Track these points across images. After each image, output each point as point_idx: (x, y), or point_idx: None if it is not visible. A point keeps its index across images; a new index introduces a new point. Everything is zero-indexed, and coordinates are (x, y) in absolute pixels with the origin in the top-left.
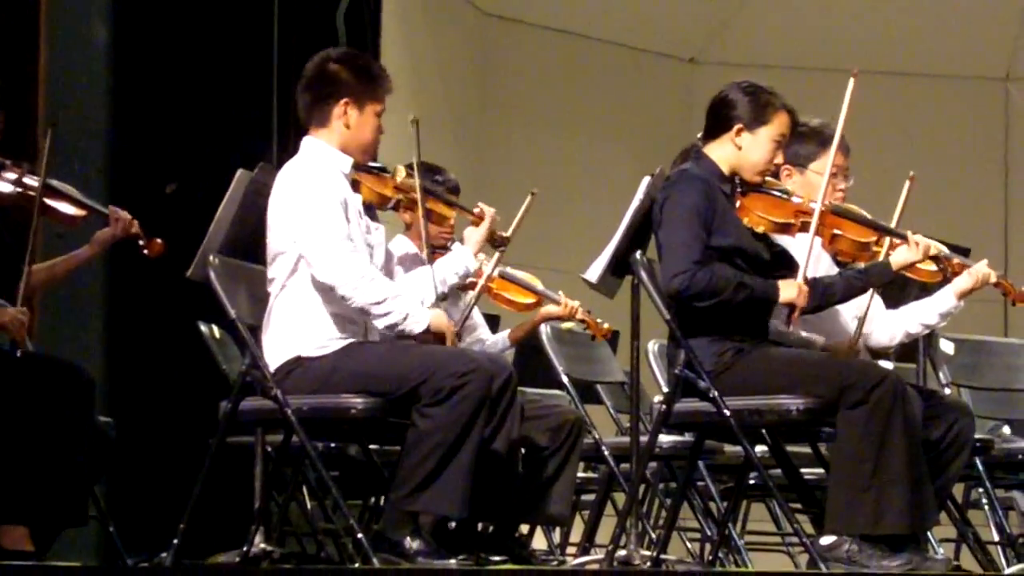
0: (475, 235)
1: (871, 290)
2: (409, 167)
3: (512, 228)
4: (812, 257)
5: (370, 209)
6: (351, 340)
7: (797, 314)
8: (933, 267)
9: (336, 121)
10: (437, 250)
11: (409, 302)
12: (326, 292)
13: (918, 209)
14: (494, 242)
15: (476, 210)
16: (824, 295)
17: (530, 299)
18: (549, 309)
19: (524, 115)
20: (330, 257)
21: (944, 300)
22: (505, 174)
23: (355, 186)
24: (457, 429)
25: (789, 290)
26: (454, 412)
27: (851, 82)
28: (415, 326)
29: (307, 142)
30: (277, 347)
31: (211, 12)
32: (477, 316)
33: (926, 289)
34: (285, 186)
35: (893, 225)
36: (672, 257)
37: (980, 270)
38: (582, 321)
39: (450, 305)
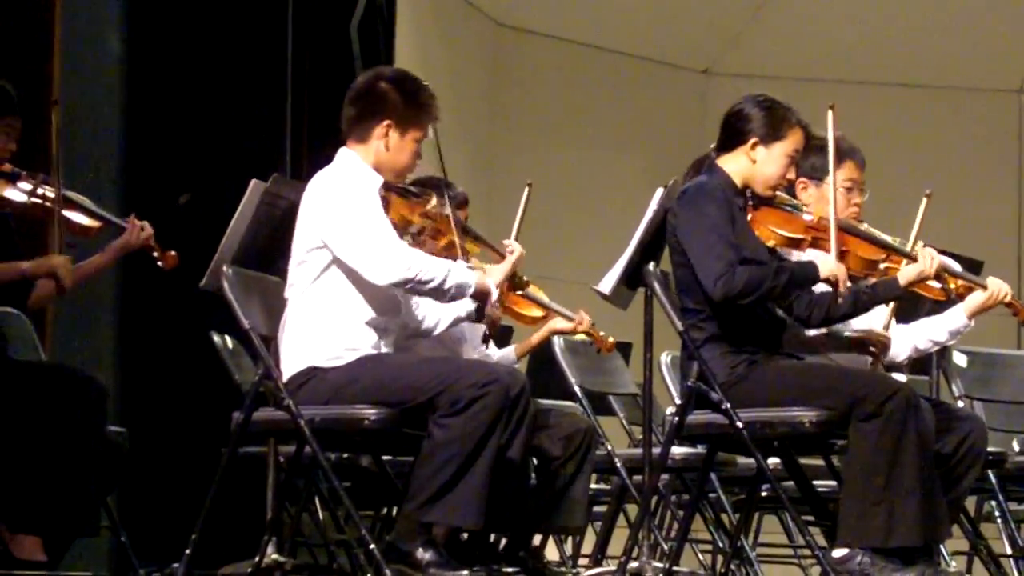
0: (499, 271)
1: (891, 303)
2: (440, 195)
3: (516, 224)
4: None
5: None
6: (365, 352)
7: (843, 286)
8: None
9: (376, 140)
10: None
11: (458, 266)
12: (347, 301)
13: (931, 221)
14: (514, 284)
15: (506, 246)
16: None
17: (538, 313)
18: (555, 324)
19: (536, 125)
20: (390, 261)
21: (955, 318)
22: (517, 184)
23: (384, 205)
24: (475, 440)
25: (827, 264)
26: (472, 423)
27: (830, 115)
28: (469, 289)
29: (343, 153)
30: (293, 355)
31: (225, 22)
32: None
33: (939, 305)
34: (320, 193)
35: (911, 242)
36: (708, 265)
37: (993, 289)
38: (587, 334)
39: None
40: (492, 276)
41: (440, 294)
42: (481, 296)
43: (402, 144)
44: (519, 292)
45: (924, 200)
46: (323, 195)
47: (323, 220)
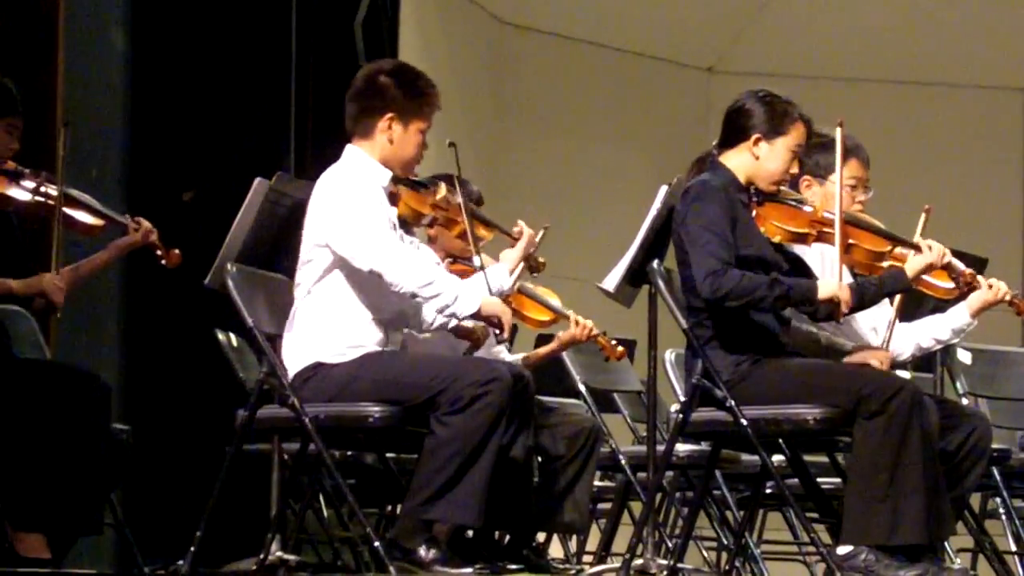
0: (512, 255)
1: (895, 301)
2: (449, 184)
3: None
4: (829, 269)
5: (403, 224)
6: (369, 349)
7: (843, 309)
8: (948, 283)
9: (380, 135)
10: (459, 261)
11: (458, 284)
12: (352, 299)
13: (935, 219)
14: (530, 266)
15: (516, 229)
16: None
17: (545, 316)
18: (565, 336)
19: (541, 123)
20: (372, 245)
21: (958, 317)
22: (522, 182)
23: (392, 199)
24: (476, 438)
25: (828, 286)
26: (474, 421)
27: (838, 131)
28: (465, 308)
29: (349, 150)
30: (298, 352)
31: (229, 20)
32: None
33: (942, 303)
34: (324, 190)
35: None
36: (700, 261)
37: (995, 287)
38: (596, 341)
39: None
40: (506, 260)
41: (423, 301)
42: (491, 320)
43: (406, 136)
44: (535, 274)
45: (923, 215)
46: (327, 193)
47: (325, 216)
